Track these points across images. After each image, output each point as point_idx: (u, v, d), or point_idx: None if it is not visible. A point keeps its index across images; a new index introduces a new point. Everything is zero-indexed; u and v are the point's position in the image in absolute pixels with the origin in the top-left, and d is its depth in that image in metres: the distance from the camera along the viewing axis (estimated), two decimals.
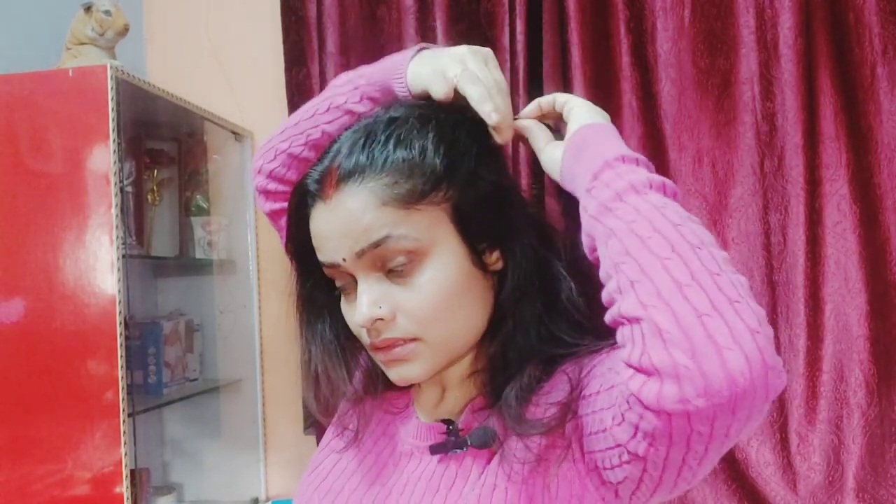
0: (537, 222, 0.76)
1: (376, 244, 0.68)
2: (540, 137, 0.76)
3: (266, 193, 0.88)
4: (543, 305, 0.72)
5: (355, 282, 0.71)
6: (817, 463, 1.91)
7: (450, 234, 0.70)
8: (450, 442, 0.72)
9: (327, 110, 0.80)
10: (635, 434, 0.55)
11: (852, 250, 1.90)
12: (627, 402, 0.55)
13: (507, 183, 0.77)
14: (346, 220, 0.69)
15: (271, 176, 0.85)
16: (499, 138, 0.73)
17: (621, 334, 0.56)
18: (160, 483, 2.24)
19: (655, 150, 1.99)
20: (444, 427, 0.73)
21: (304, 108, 0.83)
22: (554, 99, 0.77)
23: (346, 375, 0.79)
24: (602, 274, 0.60)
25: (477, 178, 0.72)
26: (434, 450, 0.73)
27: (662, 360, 0.52)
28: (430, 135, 0.70)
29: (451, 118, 0.73)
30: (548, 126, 0.78)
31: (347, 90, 0.80)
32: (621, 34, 2.02)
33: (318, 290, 0.78)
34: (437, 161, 0.69)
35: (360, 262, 0.69)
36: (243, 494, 2.29)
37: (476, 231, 0.71)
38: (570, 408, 0.66)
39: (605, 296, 0.59)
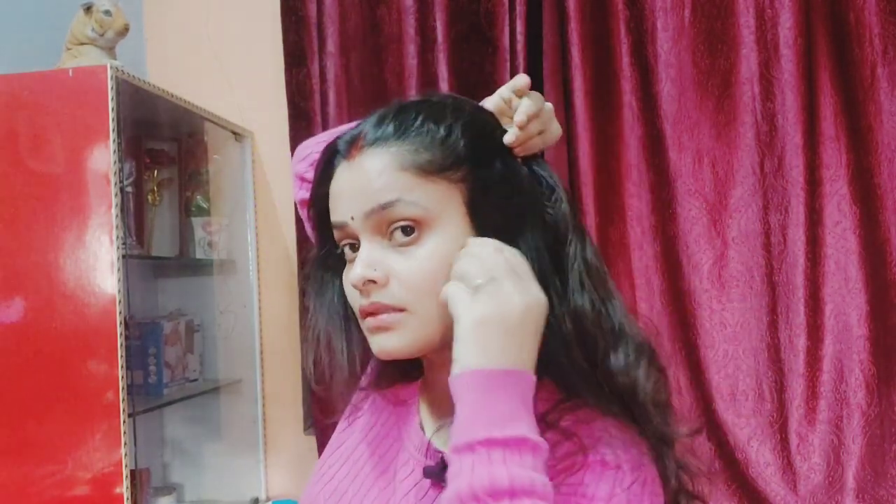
0: (560, 229, 0.74)
1: (385, 205, 0.69)
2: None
3: (303, 180, 0.90)
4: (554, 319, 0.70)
5: (360, 247, 0.72)
6: (817, 463, 1.91)
7: (459, 213, 0.71)
8: (442, 472, 0.71)
9: None
10: None
11: (852, 250, 1.90)
12: None
13: (527, 184, 0.76)
14: (362, 180, 0.71)
15: (315, 165, 0.87)
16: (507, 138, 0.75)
17: None
18: (160, 483, 2.24)
19: (655, 150, 1.99)
20: (438, 455, 0.73)
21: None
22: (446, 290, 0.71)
23: (345, 345, 0.79)
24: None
25: (497, 169, 0.73)
26: (427, 473, 0.73)
27: None
28: (461, 120, 0.73)
29: (484, 115, 0.76)
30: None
31: None
32: (621, 34, 2.02)
33: (331, 259, 0.79)
34: (462, 143, 0.71)
35: (367, 222, 0.70)
36: (243, 494, 2.29)
37: (486, 219, 0.72)
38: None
39: None
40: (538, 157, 0.78)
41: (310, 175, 0.87)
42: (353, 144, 0.73)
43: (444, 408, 0.77)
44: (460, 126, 0.72)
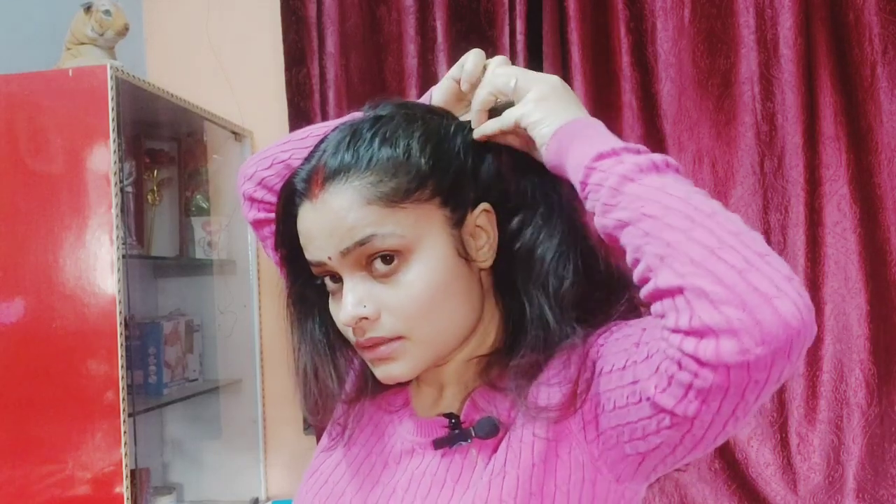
0: (531, 210, 0.75)
1: (361, 242, 0.68)
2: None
3: (252, 200, 0.88)
4: (538, 292, 0.72)
5: (342, 280, 0.72)
6: (817, 463, 1.91)
7: (437, 229, 0.70)
8: (454, 435, 0.72)
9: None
10: (685, 395, 0.57)
11: (852, 250, 1.90)
12: (678, 365, 0.57)
13: (498, 176, 0.76)
14: (331, 219, 0.69)
15: (262, 184, 0.86)
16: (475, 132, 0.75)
17: (661, 307, 0.58)
18: (160, 483, 2.24)
19: (655, 150, 1.97)
20: (445, 421, 0.73)
21: (317, 126, 0.84)
22: (495, 88, 0.76)
23: (333, 374, 0.79)
24: (629, 262, 0.62)
25: (464, 173, 0.72)
26: (438, 444, 0.73)
27: (714, 318, 0.54)
28: (416, 133, 0.71)
29: (438, 117, 0.74)
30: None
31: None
32: (621, 34, 2.02)
33: (309, 289, 0.78)
34: (423, 160, 0.70)
35: (346, 260, 0.69)
36: (243, 494, 2.29)
37: (463, 221, 0.72)
38: (584, 389, 0.67)
39: (635, 277, 0.61)
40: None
41: (259, 195, 0.87)
42: (313, 181, 0.70)
43: (439, 405, 0.78)
44: (417, 142, 0.70)
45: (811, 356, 1.92)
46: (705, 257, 0.56)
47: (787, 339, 0.54)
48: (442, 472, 0.72)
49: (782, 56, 1.94)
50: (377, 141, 0.70)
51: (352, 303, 0.70)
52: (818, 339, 1.91)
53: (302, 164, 0.73)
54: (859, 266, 1.90)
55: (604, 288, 0.73)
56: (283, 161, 0.84)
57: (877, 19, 1.90)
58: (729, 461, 1.94)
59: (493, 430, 0.70)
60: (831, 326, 1.91)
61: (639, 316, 0.72)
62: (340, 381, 0.80)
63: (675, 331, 0.57)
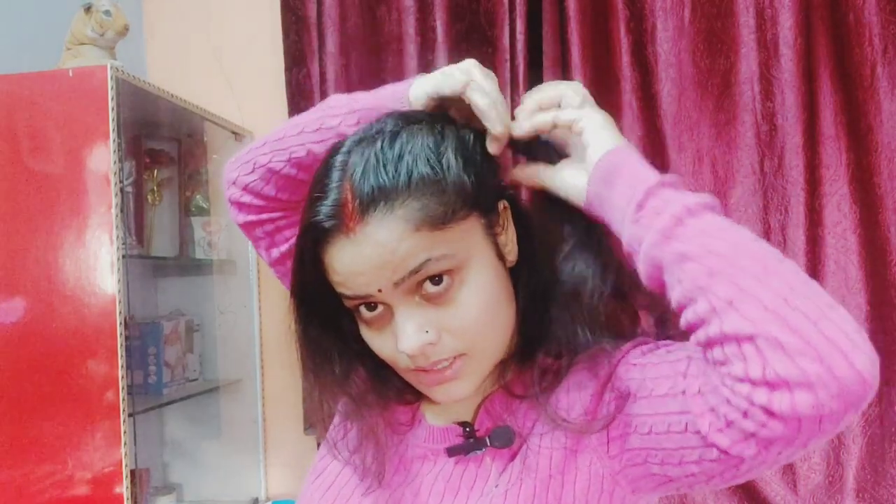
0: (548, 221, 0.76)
1: (416, 270, 0.65)
2: (547, 173, 0.74)
3: (239, 205, 0.84)
4: (563, 300, 0.72)
5: (388, 310, 0.68)
6: (817, 463, 1.91)
7: (480, 240, 0.69)
8: (469, 444, 0.71)
9: (317, 130, 0.77)
10: (744, 440, 0.56)
11: (852, 250, 1.90)
12: (744, 414, 0.55)
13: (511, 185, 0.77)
14: (380, 253, 0.64)
15: (247, 189, 0.82)
16: (493, 148, 0.72)
17: (722, 352, 0.56)
18: (160, 483, 2.24)
19: (655, 150, 1.99)
20: (458, 430, 0.73)
21: (291, 124, 0.79)
22: (559, 95, 0.74)
23: (334, 399, 0.78)
24: (678, 297, 0.60)
25: (497, 185, 0.72)
26: (452, 452, 0.72)
27: (790, 371, 0.53)
28: (446, 146, 0.68)
29: (452, 128, 0.71)
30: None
31: (342, 112, 0.76)
32: (621, 34, 2.02)
33: (326, 335, 0.75)
34: (464, 177, 0.67)
35: (398, 290, 0.66)
36: (243, 494, 2.29)
37: (494, 223, 0.71)
38: (612, 409, 0.66)
39: (687, 319, 0.59)
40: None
41: (246, 199, 0.82)
42: (345, 215, 0.65)
43: (451, 410, 0.76)
44: (453, 156, 0.67)
45: None
46: (779, 305, 0.55)
47: (862, 392, 0.54)
48: (456, 479, 0.72)
49: (782, 56, 1.94)
50: (408, 158, 0.66)
51: (414, 331, 0.66)
52: None
53: (321, 200, 0.67)
54: (859, 266, 1.89)
55: (631, 299, 0.73)
56: (263, 165, 0.79)
57: (877, 19, 1.89)
58: None
59: (508, 441, 0.70)
60: None
61: (666, 329, 0.71)
62: (358, 398, 0.77)
63: (744, 380, 0.55)
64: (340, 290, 0.68)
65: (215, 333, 2.30)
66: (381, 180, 0.65)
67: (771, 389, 0.54)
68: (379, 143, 0.67)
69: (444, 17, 2.09)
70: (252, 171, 0.81)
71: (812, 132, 1.93)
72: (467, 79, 0.72)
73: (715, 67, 1.99)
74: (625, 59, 2.02)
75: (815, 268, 1.92)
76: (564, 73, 2.03)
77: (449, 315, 0.67)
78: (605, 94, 2.02)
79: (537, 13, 2.06)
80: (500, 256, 0.71)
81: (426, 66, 2.11)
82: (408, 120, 0.71)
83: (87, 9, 1.74)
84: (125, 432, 1.60)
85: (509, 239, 0.73)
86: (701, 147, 1.99)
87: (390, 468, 0.77)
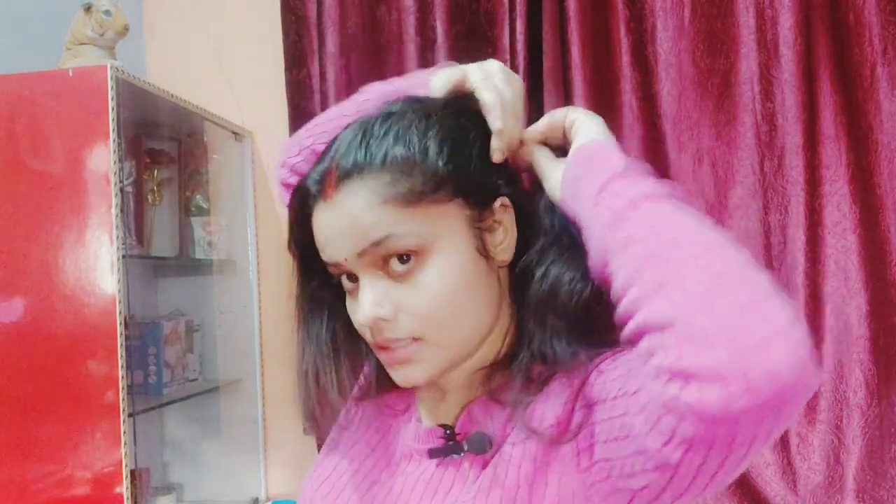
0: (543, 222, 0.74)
1: (377, 243, 0.67)
2: (545, 160, 0.74)
3: (288, 186, 0.87)
4: (549, 302, 0.70)
5: (358, 280, 0.71)
6: (817, 463, 1.91)
7: (457, 229, 0.69)
8: (447, 447, 0.72)
9: (356, 113, 0.79)
10: (669, 441, 0.53)
11: (852, 250, 1.90)
12: (664, 408, 0.52)
13: (514, 181, 0.76)
14: (346, 220, 0.68)
15: (293, 170, 0.85)
16: (496, 154, 0.72)
17: (648, 343, 0.54)
18: (160, 483, 2.24)
19: (655, 150, 1.99)
20: (441, 431, 0.73)
21: (332, 110, 0.83)
22: (565, 114, 0.74)
23: (335, 380, 0.78)
24: (618, 286, 0.58)
25: (484, 170, 0.71)
26: (432, 454, 0.73)
27: (701, 362, 0.50)
28: (432, 132, 0.69)
29: (452, 113, 0.72)
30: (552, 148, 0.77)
31: (375, 97, 0.79)
32: (621, 34, 2.02)
33: (322, 290, 0.78)
34: (440, 162, 0.68)
35: (362, 260, 0.69)
36: (243, 494, 2.29)
37: (483, 217, 0.71)
38: (580, 419, 0.65)
39: (624, 307, 0.57)
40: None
41: (294, 181, 0.84)
42: (326, 182, 0.69)
43: (441, 409, 0.77)
44: (434, 142, 0.68)
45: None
46: (707, 290, 0.52)
47: (778, 390, 0.48)
48: (435, 481, 0.72)
49: (782, 56, 1.94)
50: (390, 138, 0.68)
51: (369, 302, 0.68)
52: (818, 339, 1.91)
53: (314, 165, 0.73)
54: (859, 266, 1.89)
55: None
56: (307, 147, 0.83)
57: (877, 19, 1.89)
58: None
59: (483, 447, 0.69)
60: (831, 326, 1.91)
61: None
62: (341, 387, 0.79)
63: (662, 370, 0.52)
64: (322, 255, 0.72)
65: (215, 333, 2.30)
66: (359, 154, 0.68)
67: (684, 381, 0.50)
68: (372, 122, 0.71)
69: (444, 17, 2.10)
70: (298, 153, 0.84)
71: (812, 132, 1.93)
72: (483, 76, 0.73)
73: (715, 67, 1.99)
74: (625, 59, 2.02)
75: (815, 268, 1.92)
76: (564, 73, 2.03)
77: (408, 294, 0.68)
78: (605, 94, 2.02)
79: (537, 13, 2.06)
80: (483, 252, 0.71)
81: (426, 66, 2.09)
82: (418, 104, 0.72)
83: (87, 9, 1.74)
84: (125, 432, 1.60)
85: (504, 239, 0.72)
86: (701, 147, 1.99)
87: (382, 461, 0.78)
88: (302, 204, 0.73)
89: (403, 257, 0.68)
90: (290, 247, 0.78)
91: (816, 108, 1.93)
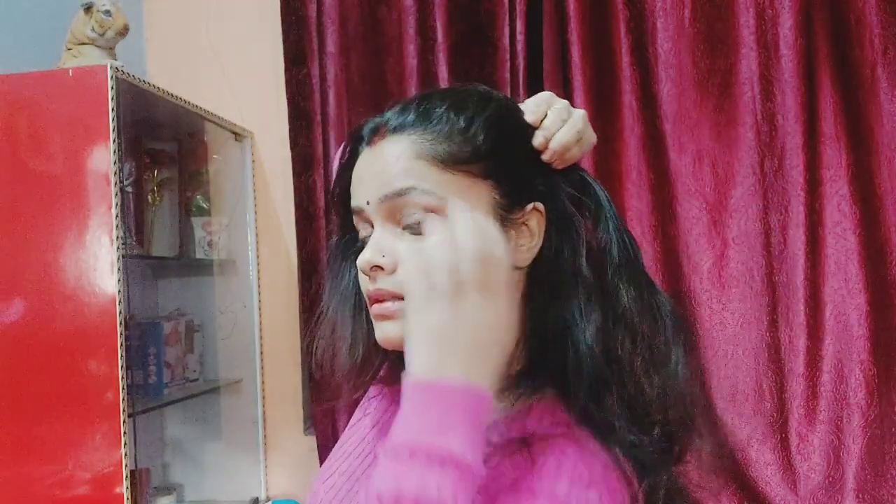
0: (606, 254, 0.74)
1: (400, 192, 0.69)
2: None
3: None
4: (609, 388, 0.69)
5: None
6: (817, 463, 1.90)
7: (480, 208, 0.69)
8: None
9: None
10: None
11: (852, 250, 1.90)
12: None
13: (563, 198, 0.75)
14: (380, 165, 0.71)
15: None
16: (537, 141, 0.73)
17: None
18: (160, 483, 2.24)
19: (655, 150, 1.99)
20: None
21: None
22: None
23: (349, 334, 0.79)
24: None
25: (527, 167, 0.72)
26: None
27: None
28: (486, 112, 0.72)
29: (515, 110, 0.75)
30: None
31: None
32: (621, 34, 2.02)
33: (351, 245, 0.79)
34: (482, 137, 0.70)
35: (382, 207, 0.70)
36: (243, 494, 2.29)
37: (511, 212, 0.71)
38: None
39: None
40: (579, 168, 0.77)
41: None
42: (376, 131, 0.73)
43: None
44: (482, 119, 0.71)
45: (811, 356, 1.92)
46: None
47: None
48: None
49: (782, 56, 1.94)
50: (445, 106, 0.71)
51: (372, 249, 0.70)
52: (818, 339, 1.91)
53: (374, 116, 0.76)
54: (859, 266, 1.89)
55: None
56: None
57: (877, 19, 1.89)
58: (729, 461, 1.94)
59: None
60: (831, 326, 1.91)
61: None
62: (354, 345, 0.79)
63: None
64: (352, 202, 0.74)
65: (215, 333, 2.30)
66: (411, 114, 0.72)
67: None
68: (435, 91, 0.76)
69: (444, 18, 2.09)
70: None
71: (812, 132, 1.93)
72: (560, 106, 0.75)
73: (715, 67, 1.99)
74: (625, 59, 2.01)
75: (815, 268, 1.92)
76: (564, 73, 2.03)
77: (413, 252, 0.66)
78: (605, 94, 2.02)
79: (537, 13, 2.06)
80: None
81: (426, 66, 2.12)
82: (485, 90, 0.76)
83: (87, 9, 1.74)
84: (125, 432, 1.60)
85: (526, 243, 0.71)
86: (701, 147, 1.99)
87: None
88: (352, 149, 0.76)
89: (418, 215, 0.69)
90: (332, 189, 0.80)
91: (817, 108, 1.93)
